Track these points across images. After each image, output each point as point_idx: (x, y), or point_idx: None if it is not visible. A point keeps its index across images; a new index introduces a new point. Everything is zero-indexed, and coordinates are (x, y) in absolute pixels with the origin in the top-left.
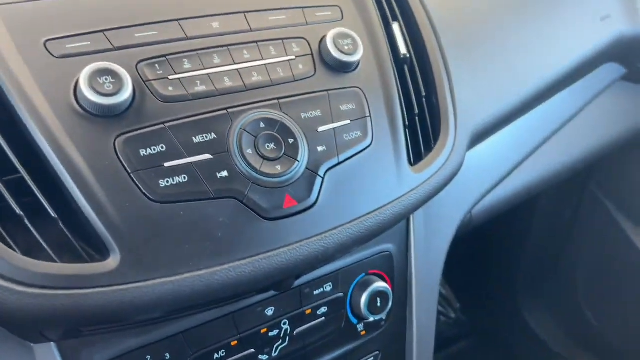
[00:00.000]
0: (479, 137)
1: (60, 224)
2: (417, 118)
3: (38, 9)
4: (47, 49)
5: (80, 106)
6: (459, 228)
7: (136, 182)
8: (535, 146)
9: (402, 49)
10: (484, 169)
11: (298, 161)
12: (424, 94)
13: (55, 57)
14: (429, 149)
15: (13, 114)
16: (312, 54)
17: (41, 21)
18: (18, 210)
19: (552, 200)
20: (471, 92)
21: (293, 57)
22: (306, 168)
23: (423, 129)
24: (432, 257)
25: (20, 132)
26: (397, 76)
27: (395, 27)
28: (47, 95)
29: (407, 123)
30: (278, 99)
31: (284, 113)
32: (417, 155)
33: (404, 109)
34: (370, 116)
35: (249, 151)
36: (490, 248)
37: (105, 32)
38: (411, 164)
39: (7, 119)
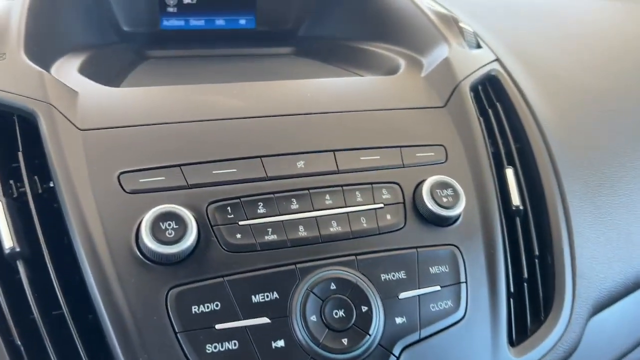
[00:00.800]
0: (602, 307)
1: None
2: (525, 283)
3: (121, 135)
4: (119, 182)
5: (139, 250)
6: None
7: (182, 344)
8: None
9: (515, 200)
10: (606, 340)
11: (369, 335)
12: (537, 253)
13: (126, 192)
14: (537, 322)
15: (70, 243)
16: (404, 203)
17: (120, 150)
18: None
19: None
20: (596, 252)
21: (381, 205)
22: (378, 344)
23: (532, 298)
24: None
25: (72, 263)
26: (505, 231)
27: (509, 172)
28: (108, 233)
29: (511, 290)
30: (356, 254)
31: (360, 273)
32: (521, 331)
33: (510, 273)
34: (465, 282)
35: (312, 318)
36: None
37: (182, 167)
38: (512, 344)
39: (64, 248)
